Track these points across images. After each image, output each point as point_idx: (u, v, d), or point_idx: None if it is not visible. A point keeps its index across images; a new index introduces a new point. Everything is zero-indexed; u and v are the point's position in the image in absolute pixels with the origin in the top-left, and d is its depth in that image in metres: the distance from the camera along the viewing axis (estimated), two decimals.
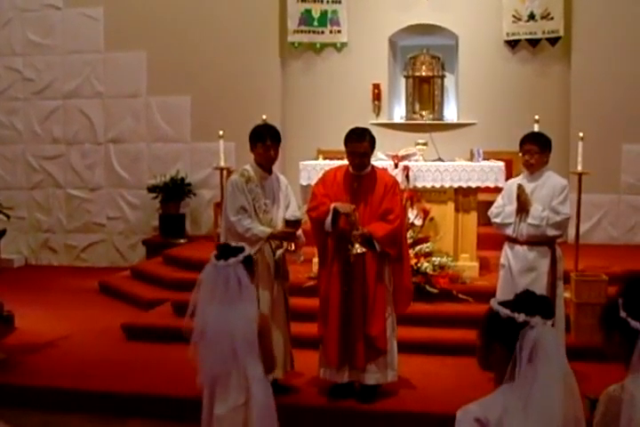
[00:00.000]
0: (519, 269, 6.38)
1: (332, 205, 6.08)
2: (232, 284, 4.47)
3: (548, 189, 6.36)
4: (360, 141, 6.16)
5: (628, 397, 2.67)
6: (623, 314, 2.72)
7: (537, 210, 6.27)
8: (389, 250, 6.16)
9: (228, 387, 4.54)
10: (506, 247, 6.56)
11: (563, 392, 2.72)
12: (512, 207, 6.41)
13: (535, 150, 6.38)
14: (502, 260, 6.58)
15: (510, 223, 6.42)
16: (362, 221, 6.08)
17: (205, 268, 4.59)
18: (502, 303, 2.83)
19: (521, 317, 2.75)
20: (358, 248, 6.06)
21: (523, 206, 6.31)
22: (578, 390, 2.81)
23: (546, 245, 6.37)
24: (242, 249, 4.65)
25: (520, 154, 6.58)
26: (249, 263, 4.64)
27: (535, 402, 2.69)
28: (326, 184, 6.35)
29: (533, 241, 6.35)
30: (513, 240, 6.46)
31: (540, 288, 6.23)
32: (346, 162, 6.42)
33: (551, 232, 6.30)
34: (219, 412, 4.54)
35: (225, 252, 4.58)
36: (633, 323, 2.69)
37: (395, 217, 6.17)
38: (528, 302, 2.82)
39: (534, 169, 6.42)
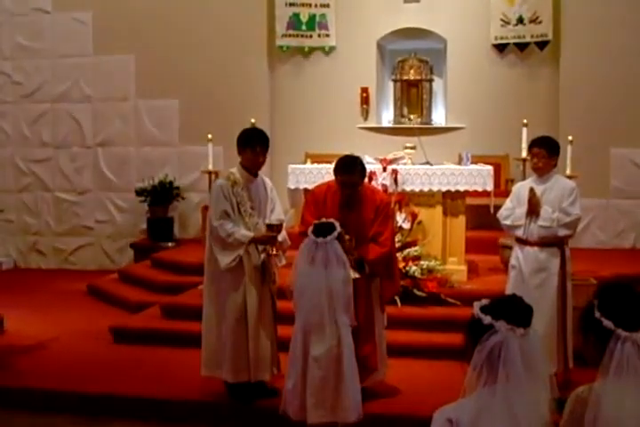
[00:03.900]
0: (530, 269, 6.51)
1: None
2: (331, 256, 5.49)
3: (558, 191, 6.52)
4: (349, 173, 6.12)
5: (594, 398, 2.73)
6: (597, 314, 2.79)
7: (547, 212, 6.42)
8: (378, 271, 6.22)
9: (324, 333, 5.51)
10: (516, 249, 6.69)
11: (533, 398, 2.78)
12: (522, 209, 6.55)
13: (543, 154, 6.52)
14: (513, 261, 6.70)
15: (520, 225, 6.55)
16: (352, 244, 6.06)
17: (306, 242, 5.59)
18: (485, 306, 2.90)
19: (487, 319, 2.82)
20: (352, 273, 5.93)
21: (533, 209, 6.46)
22: (547, 399, 2.85)
23: (556, 245, 6.53)
24: (333, 226, 5.62)
25: (529, 157, 6.77)
26: (340, 238, 5.62)
27: (503, 406, 2.76)
28: (318, 206, 6.29)
29: (544, 242, 6.49)
30: (523, 242, 6.59)
31: (551, 288, 6.48)
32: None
33: (562, 232, 6.46)
34: (316, 353, 5.51)
35: (320, 229, 5.58)
36: (606, 322, 2.75)
37: (385, 239, 6.19)
38: (505, 306, 2.89)
39: (542, 172, 6.58)
